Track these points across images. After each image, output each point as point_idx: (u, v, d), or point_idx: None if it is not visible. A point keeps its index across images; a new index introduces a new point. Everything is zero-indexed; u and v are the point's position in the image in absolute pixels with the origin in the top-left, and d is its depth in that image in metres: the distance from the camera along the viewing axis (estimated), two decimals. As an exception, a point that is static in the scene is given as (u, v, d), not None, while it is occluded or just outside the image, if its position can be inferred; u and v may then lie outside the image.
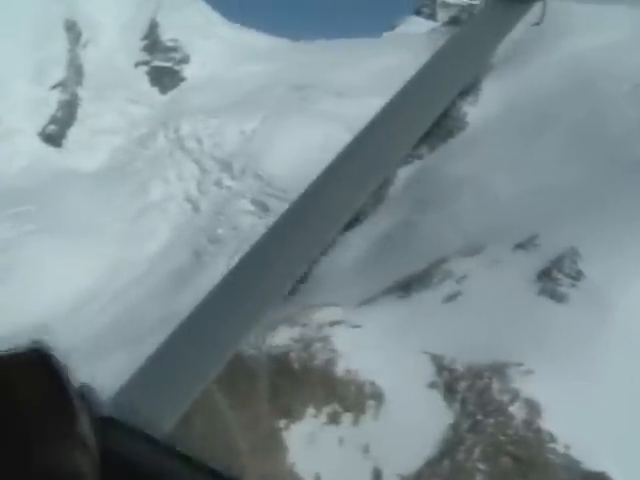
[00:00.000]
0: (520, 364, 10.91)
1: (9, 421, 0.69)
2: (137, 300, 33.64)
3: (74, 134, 47.21)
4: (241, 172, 37.74)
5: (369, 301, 14.50)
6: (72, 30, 51.99)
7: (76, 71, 50.21)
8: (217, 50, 51.74)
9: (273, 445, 11.52)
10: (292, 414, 11.54)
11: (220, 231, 33.88)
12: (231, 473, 0.97)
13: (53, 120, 47.21)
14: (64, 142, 46.73)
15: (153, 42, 52.32)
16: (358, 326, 12.55)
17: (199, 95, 46.34)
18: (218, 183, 37.63)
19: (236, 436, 12.01)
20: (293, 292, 22.01)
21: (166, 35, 52.47)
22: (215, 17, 57.20)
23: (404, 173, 23.63)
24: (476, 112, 23.62)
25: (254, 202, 35.02)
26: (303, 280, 21.81)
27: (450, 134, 23.54)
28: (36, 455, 0.69)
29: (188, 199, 37.76)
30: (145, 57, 51.84)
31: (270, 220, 32.66)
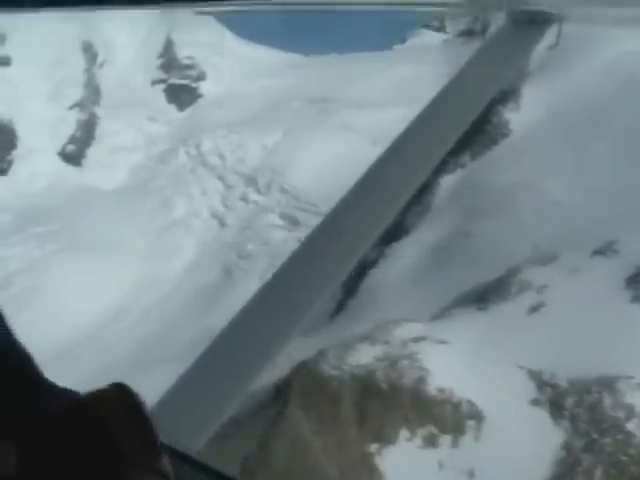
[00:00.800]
0: (630, 377, 10.28)
1: (106, 453, 0.76)
2: (166, 318, 33.06)
3: (93, 153, 47.10)
4: (266, 186, 37.32)
5: (444, 315, 13.89)
6: (89, 51, 52.21)
7: (93, 91, 50.30)
8: (232, 67, 51.86)
9: (365, 471, 10.86)
10: (383, 438, 10.89)
11: (250, 246, 33.33)
12: None
13: (72, 140, 47.17)
14: (84, 161, 46.61)
15: (169, 60, 52.45)
16: (444, 342, 11.94)
17: (217, 111, 46.23)
18: (244, 198, 37.18)
19: (323, 462, 11.37)
20: (341, 308, 21.40)
21: (181, 53, 52.61)
22: (228, 35, 57.42)
23: (447, 182, 23.11)
24: (519, 118, 23.16)
25: (282, 216, 34.53)
26: (352, 294, 21.20)
27: (493, 141, 23.06)
28: None
29: (214, 215, 37.29)
30: (161, 75, 51.92)
31: (300, 234, 32.12)
